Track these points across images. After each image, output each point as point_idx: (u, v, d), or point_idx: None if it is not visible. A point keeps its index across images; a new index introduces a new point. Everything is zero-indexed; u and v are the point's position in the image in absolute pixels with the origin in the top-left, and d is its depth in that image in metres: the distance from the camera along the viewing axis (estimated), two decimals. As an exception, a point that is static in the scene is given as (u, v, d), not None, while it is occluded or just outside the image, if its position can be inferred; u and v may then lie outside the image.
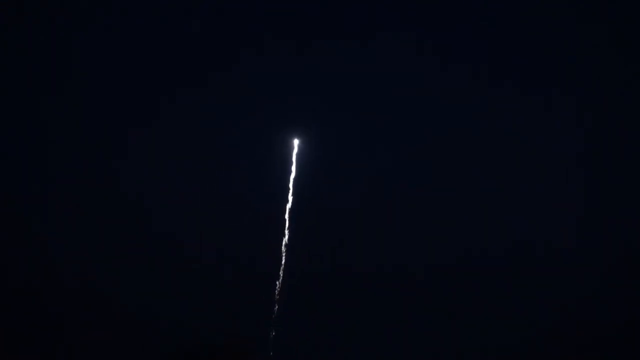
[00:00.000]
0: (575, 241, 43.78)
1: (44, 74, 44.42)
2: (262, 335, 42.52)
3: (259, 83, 45.32)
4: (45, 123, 44.29)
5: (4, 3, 43.81)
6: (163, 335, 41.85)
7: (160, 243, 43.29)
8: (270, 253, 43.59)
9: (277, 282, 43.32)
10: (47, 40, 44.40)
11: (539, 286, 43.41)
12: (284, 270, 43.45)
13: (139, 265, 43.03)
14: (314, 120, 44.93)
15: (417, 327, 42.90)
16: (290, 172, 44.41)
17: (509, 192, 44.79)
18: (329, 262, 43.89)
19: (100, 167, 44.13)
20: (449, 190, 45.09)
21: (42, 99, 44.34)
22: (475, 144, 45.20)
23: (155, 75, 44.90)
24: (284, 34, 45.56)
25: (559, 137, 44.98)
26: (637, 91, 44.24)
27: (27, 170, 43.79)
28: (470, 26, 45.75)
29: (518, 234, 44.37)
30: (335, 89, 45.47)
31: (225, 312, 42.42)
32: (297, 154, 44.43)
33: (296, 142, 44.33)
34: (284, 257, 43.61)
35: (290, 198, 44.11)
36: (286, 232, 43.74)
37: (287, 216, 43.88)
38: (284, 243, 43.72)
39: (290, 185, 44.23)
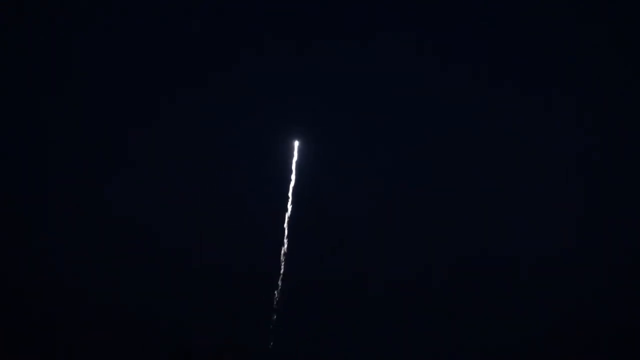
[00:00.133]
0: (576, 241, 43.76)
1: (44, 74, 44.43)
2: (260, 340, 42.52)
3: (258, 83, 45.35)
4: (45, 123, 44.30)
5: (4, 3, 43.80)
6: (161, 336, 41.88)
7: (159, 244, 43.29)
8: (269, 256, 43.59)
9: (276, 287, 43.30)
10: (47, 40, 44.40)
11: (539, 287, 43.40)
12: (283, 274, 43.43)
13: (138, 265, 43.03)
14: (314, 120, 44.97)
15: (418, 330, 42.90)
16: (290, 172, 44.41)
17: (509, 192, 44.79)
18: (329, 265, 43.87)
19: (99, 167, 44.15)
20: (449, 190, 45.10)
21: (42, 99, 44.35)
22: (475, 144, 45.20)
23: (155, 75, 44.94)
24: (284, 34, 45.58)
25: (559, 137, 44.98)
26: (637, 91, 44.25)
27: (27, 171, 43.80)
28: (470, 26, 45.77)
29: (518, 234, 44.37)
30: (335, 89, 45.50)
31: (223, 316, 42.45)
32: (297, 155, 44.45)
33: (296, 143, 44.34)
34: (283, 261, 43.59)
35: (290, 200, 44.10)
36: (285, 234, 43.73)
37: (286, 219, 43.87)
38: (283, 246, 43.72)
39: (290, 187, 44.22)
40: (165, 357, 39.59)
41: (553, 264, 43.62)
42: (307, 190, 44.45)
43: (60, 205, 43.53)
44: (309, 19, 45.64)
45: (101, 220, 43.46)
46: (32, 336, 40.94)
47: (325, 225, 44.22)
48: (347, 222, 44.35)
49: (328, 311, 43.17)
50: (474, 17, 45.60)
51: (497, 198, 44.73)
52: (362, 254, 44.17)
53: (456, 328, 43.04)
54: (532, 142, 45.25)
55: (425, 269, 43.85)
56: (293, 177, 44.47)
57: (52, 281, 42.32)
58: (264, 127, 44.80)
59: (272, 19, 45.70)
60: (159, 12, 45.16)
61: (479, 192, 44.94)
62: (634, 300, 42.31)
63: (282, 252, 43.67)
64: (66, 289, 42.28)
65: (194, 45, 45.27)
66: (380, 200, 44.74)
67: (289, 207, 44.09)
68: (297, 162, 44.54)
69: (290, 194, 44.20)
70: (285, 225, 43.91)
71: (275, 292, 43.37)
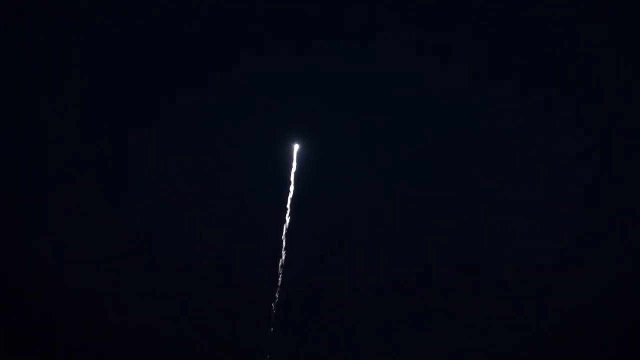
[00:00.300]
0: (576, 241, 43.74)
1: (44, 74, 44.40)
2: (259, 342, 42.55)
3: (258, 84, 45.31)
4: (45, 123, 44.28)
5: (4, 3, 43.78)
6: (161, 337, 41.91)
7: (158, 246, 43.30)
8: (268, 256, 43.59)
9: (276, 289, 43.28)
10: (47, 40, 44.37)
11: (540, 287, 43.38)
12: (282, 275, 43.40)
13: (138, 265, 43.06)
14: (313, 121, 44.96)
15: (418, 331, 42.91)
16: (289, 172, 44.39)
17: (510, 192, 44.76)
18: (328, 267, 43.85)
19: (99, 167, 44.14)
20: (450, 190, 45.06)
21: (42, 99, 44.33)
22: (475, 143, 45.17)
23: (154, 75, 44.91)
24: (284, 34, 45.55)
25: (559, 137, 44.94)
26: (638, 91, 44.22)
27: (27, 171, 43.78)
28: (470, 26, 45.73)
29: (518, 234, 44.35)
30: (334, 88, 45.45)
31: (223, 316, 42.48)
32: (297, 156, 44.43)
33: (296, 147, 44.33)
34: (282, 263, 43.56)
35: (289, 203, 44.07)
36: (284, 236, 43.70)
37: (286, 221, 43.85)
38: (282, 249, 43.69)
39: (290, 188, 44.21)
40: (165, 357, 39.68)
41: (553, 263, 43.63)
42: (307, 191, 44.44)
43: (60, 204, 43.53)
44: (309, 19, 45.63)
45: (101, 220, 43.48)
46: (32, 336, 40.96)
47: (325, 227, 44.22)
48: (348, 223, 44.33)
49: (327, 313, 43.16)
50: (474, 17, 45.58)
51: (497, 198, 44.71)
52: (363, 256, 44.17)
53: (457, 329, 43.05)
54: (532, 142, 45.23)
55: (426, 270, 43.86)
56: (292, 177, 44.46)
57: (52, 281, 42.34)
58: (263, 127, 44.82)
59: (272, 19, 45.68)
60: (158, 12, 45.14)
61: (480, 192, 44.93)
62: (634, 301, 42.34)
63: (282, 254, 43.67)
64: (66, 289, 42.31)
65: (194, 46, 45.23)
66: (381, 201, 44.73)
67: (288, 210, 44.08)
68: (296, 162, 44.55)
69: (289, 196, 44.19)
70: (285, 226, 43.91)
71: (275, 294, 43.36)
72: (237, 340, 42.48)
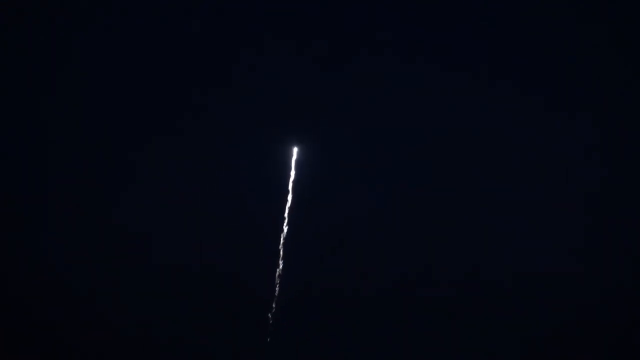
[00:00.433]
0: (576, 241, 43.74)
1: (44, 74, 44.41)
2: (258, 344, 42.59)
3: (257, 84, 45.31)
4: (45, 123, 44.29)
5: (4, 3, 43.78)
6: (161, 337, 41.95)
7: (158, 248, 43.33)
8: (267, 263, 43.61)
9: (275, 293, 43.30)
10: (47, 40, 44.37)
11: (540, 288, 43.38)
12: (281, 281, 43.41)
13: (138, 266, 43.08)
14: (313, 121, 44.97)
15: (419, 333, 42.94)
16: (289, 175, 44.40)
17: (510, 193, 44.75)
18: (328, 269, 43.86)
19: (98, 167, 44.15)
20: (450, 191, 45.06)
21: (41, 98, 44.34)
22: (475, 143, 45.16)
23: (154, 75, 44.91)
24: (284, 34, 45.54)
25: (559, 137, 44.93)
26: (638, 91, 44.22)
27: (27, 171, 43.79)
28: (470, 26, 45.72)
29: (519, 234, 44.34)
30: (334, 89, 45.45)
31: (223, 317, 42.51)
32: (297, 158, 44.45)
33: (295, 148, 44.34)
34: (281, 267, 43.57)
35: (288, 206, 44.08)
36: (283, 240, 43.70)
37: (285, 224, 43.84)
38: (281, 253, 43.70)
39: (289, 189, 44.19)
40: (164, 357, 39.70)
41: (554, 263, 43.61)
42: (306, 192, 44.43)
43: (60, 204, 43.54)
44: (309, 19, 45.63)
45: (100, 220, 43.48)
46: (32, 336, 40.98)
47: (325, 227, 44.21)
48: (347, 224, 44.32)
49: (327, 314, 43.17)
50: (474, 17, 45.57)
51: (497, 198, 44.71)
52: (363, 256, 44.16)
53: (458, 329, 43.06)
54: (532, 142, 45.21)
55: (426, 270, 43.86)
56: (292, 177, 44.46)
57: (52, 281, 42.35)
58: (263, 126, 44.83)
59: (272, 19, 45.68)
60: (158, 12, 45.13)
61: (480, 193, 44.92)
62: (634, 301, 42.35)
63: (281, 255, 43.66)
64: (66, 289, 42.32)
65: (194, 46, 45.25)
66: (381, 201, 44.73)
67: (287, 211, 44.08)
68: (296, 162, 44.56)
69: (288, 197, 44.19)
70: (284, 227, 43.91)
71: (274, 294, 43.36)
72: (237, 341, 42.48)
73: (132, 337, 41.83)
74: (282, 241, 43.77)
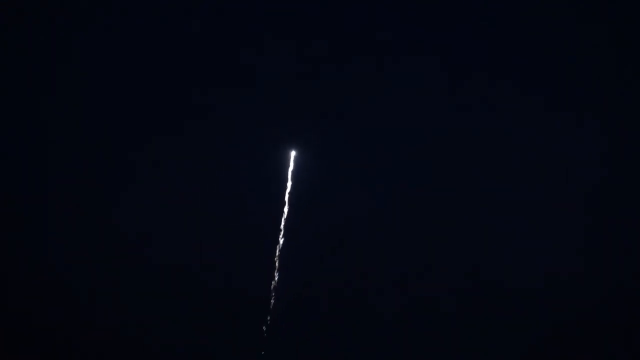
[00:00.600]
0: (577, 242, 43.73)
1: (44, 74, 44.40)
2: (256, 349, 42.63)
3: (257, 84, 45.33)
4: (45, 123, 44.29)
5: (4, 3, 43.78)
6: (161, 337, 41.97)
7: (157, 250, 43.35)
8: (265, 264, 43.62)
9: (273, 296, 43.31)
10: (47, 40, 44.37)
11: (540, 288, 43.38)
12: (280, 282, 43.41)
13: (138, 266, 43.10)
14: (313, 121, 45.00)
15: (418, 334, 42.97)
16: (287, 173, 44.41)
17: (510, 193, 44.74)
18: (328, 272, 43.87)
19: (98, 168, 44.15)
20: (450, 191, 45.05)
21: (42, 98, 44.33)
22: (475, 143, 45.16)
23: (154, 75, 44.92)
24: (284, 34, 45.54)
25: (559, 137, 44.92)
26: (638, 91, 44.23)
27: (27, 171, 43.79)
28: (470, 26, 45.72)
29: (518, 235, 44.34)
30: (334, 89, 45.45)
31: (223, 317, 42.55)
32: (296, 157, 44.46)
33: (295, 149, 44.36)
34: (279, 268, 43.58)
35: (286, 210, 44.09)
36: (280, 244, 43.70)
37: (283, 230, 43.85)
38: (280, 254, 43.70)
39: (287, 192, 44.21)
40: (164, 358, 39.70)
41: (554, 264, 43.61)
42: (305, 193, 44.44)
43: (60, 204, 43.54)
44: (309, 19, 45.63)
45: (100, 220, 43.48)
46: (32, 336, 40.98)
47: (325, 227, 44.21)
48: (347, 224, 44.32)
49: (326, 316, 43.18)
50: (474, 17, 45.57)
51: (497, 198, 44.71)
52: (363, 256, 44.16)
53: (458, 330, 43.06)
54: (532, 142, 45.21)
55: (426, 271, 43.85)
56: (290, 175, 44.47)
57: (52, 281, 42.35)
58: (263, 126, 44.84)
59: (272, 19, 45.68)
60: (159, 12, 45.13)
61: (480, 193, 44.92)
62: (634, 301, 42.36)
63: (280, 256, 43.67)
64: (66, 289, 42.33)
65: (194, 46, 45.26)
66: (381, 202, 44.73)
67: (286, 211, 44.08)
68: (296, 161, 44.56)
69: (286, 198, 44.19)
70: (283, 228, 43.91)
71: (273, 295, 43.36)
72: (236, 341, 42.49)
73: (132, 337, 41.81)
74: (281, 241, 43.77)
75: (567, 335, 42.47)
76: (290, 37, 45.46)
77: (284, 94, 45.30)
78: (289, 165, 44.44)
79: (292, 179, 44.40)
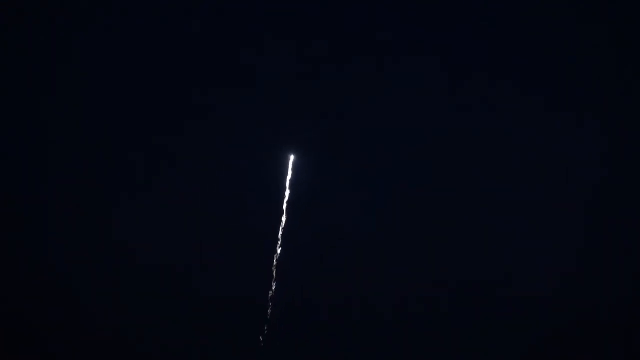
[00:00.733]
0: (577, 242, 43.71)
1: (44, 74, 44.40)
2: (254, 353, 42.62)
3: (257, 84, 45.32)
4: (45, 123, 44.28)
5: (4, 3, 43.78)
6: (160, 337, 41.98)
7: (156, 248, 43.35)
8: (264, 269, 43.64)
9: (271, 298, 43.32)
10: (47, 40, 44.37)
11: (540, 289, 43.37)
12: (279, 283, 43.41)
13: (137, 266, 43.11)
14: (313, 121, 45.00)
15: (418, 334, 42.96)
16: (286, 173, 44.42)
17: (510, 193, 44.74)
18: (328, 271, 43.87)
19: (98, 168, 44.16)
20: (450, 191, 45.05)
21: (42, 98, 44.33)
22: (475, 143, 45.15)
23: (154, 75, 44.91)
24: (284, 34, 45.53)
25: (560, 137, 44.92)
26: (638, 91, 44.21)
27: (27, 171, 43.79)
28: (470, 26, 45.71)
29: (519, 235, 44.33)
30: (334, 89, 45.45)
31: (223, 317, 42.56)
32: (296, 161, 44.47)
33: (295, 149, 44.37)
34: (277, 274, 43.57)
35: (285, 210, 44.08)
36: (278, 249, 43.69)
37: (280, 237, 43.85)
38: (278, 256, 43.69)
39: (288, 196, 44.22)
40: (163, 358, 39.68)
41: (554, 264, 43.60)
42: (305, 194, 44.44)
43: (60, 205, 43.54)
44: (309, 19, 45.62)
45: (100, 220, 43.49)
46: (32, 336, 40.98)
47: (324, 229, 44.21)
48: (347, 226, 44.32)
49: (326, 316, 43.18)
50: (474, 17, 45.56)
51: (497, 198, 44.70)
52: (363, 257, 44.15)
53: (458, 330, 43.06)
54: (532, 142, 45.21)
55: (426, 272, 43.84)
56: (289, 176, 44.46)
57: (52, 281, 42.35)
58: (263, 126, 44.85)
59: (272, 19, 45.67)
60: (159, 12, 45.13)
61: (480, 193, 44.90)
62: (634, 301, 42.35)
63: (278, 258, 43.67)
64: (66, 289, 42.33)
65: (194, 46, 45.26)
66: (380, 202, 44.72)
67: (285, 212, 44.08)
68: (296, 159, 44.56)
69: (287, 199, 44.19)
70: (281, 229, 43.92)
71: (272, 297, 43.38)
72: (235, 342, 42.48)
73: (132, 337, 41.81)
74: (280, 241, 43.76)
75: (567, 336, 42.45)
76: (290, 37, 45.45)
77: (284, 94, 45.31)
78: (288, 165, 44.44)
79: (292, 179, 44.40)
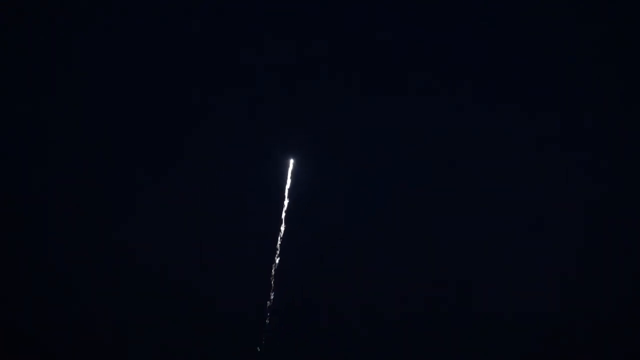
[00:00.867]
0: (577, 242, 43.72)
1: (44, 74, 44.41)
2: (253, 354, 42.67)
3: (257, 84, 45.34)
4: (45, 123, 44.30)
5: (4, 3, 43.79)
6: (158, 338, 42.01)
7: (155, 249, 43.38)
8: (264, 270, 43.66)
9: (271, 299, 43.34)
10: (47, 40, 44.38)
11: (540, 289, 43.37)
12: (279, 285, 43.43)
13: (137, 266, 43.14)
14: (313, 121, 45.00)
15: (418, 334, 42.99)
16: (286, 179, 44.44)
17: (510, 193, 44.74)
18: (328, 272, 43.89)
19: (98, 168, 44.18)
20: (450, 191, 45.05)
21: (42, 98, 44.35)
22: (475, 143, 45.16)
23: (154, 75, 44.93)
24: (284, 34, 45.54)
25: (560, 138, 44.91)
26: (638, 91, 44.21)
27: (27, 171, 43.81)
28: (470, 26, 45.71)
29: (519, 235, 44.34)
30: (334, 89, 45.45)
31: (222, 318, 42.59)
32: (296, 161, 44.49)
33: (295, 149, 44.38)
34: (277, 274, 43.58)
35: (285, 211, 44.10)
36: (278, 253, 43.72)
37: (280, 237, 43.86)
38: (278, 260, 43.72)
39: (287, 196, 44.23)
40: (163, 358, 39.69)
41: (554, 264, 43.61)
42: (306, 192, 44.46)
43: (60, 205, 43.56)
44: (309, 19, 45.63)
45: (100, 220, 43.53)
46: (32, 336, 41.01)
47: (324, 229, 44.24)
48: (347, 226, 44.34)
49: (325, 317, 43.21)
50: (474, 17, 45.56)
51: (497, 198, 44.71)
52: (363, 259, 44.16)
53: (458, 330, 43.08)
54: (532, 142, 45.22)
55: (426, 272, 43.86)
56: (289, 175, 44.47)
57: (52, 281, 42.38)
58: (262, 126, 44.88)
59: (272, 19, 45.68)
60: (159, 12, 45.14)
61: (480, 193, 44.91)
62: (634, 301, 42.36)
63: (277, 260, 43.69)
64: (66, 289, 42.35)
65: (194, 46, 45.28)
66: (380, 202, 44.74)
67: (284, 213, 44.10)
68: (295, 159, 44.59)
69: (287, 199, 44.20)
70: (281, 233, 43.94)
71: (271, 299, 43.39)
72: (235, 342, 42.51)
73: (132, 337, 41.83)
74: (280, 241, 43.78)
75: (567, 336, 42.45)
76: (290, 37, 45.46)
77: (284, 94, 45.32)
78: (288, 165, 44.45)
79: (292, 178, 44.41)
